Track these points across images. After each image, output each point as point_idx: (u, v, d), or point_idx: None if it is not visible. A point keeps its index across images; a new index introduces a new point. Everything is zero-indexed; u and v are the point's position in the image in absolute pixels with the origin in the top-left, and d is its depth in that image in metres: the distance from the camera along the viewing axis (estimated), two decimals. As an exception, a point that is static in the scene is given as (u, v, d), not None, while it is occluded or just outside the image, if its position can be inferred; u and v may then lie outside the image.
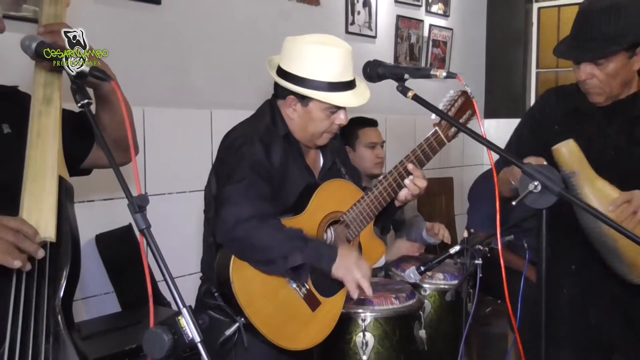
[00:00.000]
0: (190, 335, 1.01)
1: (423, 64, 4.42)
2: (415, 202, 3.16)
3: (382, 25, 4.05)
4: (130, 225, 2.60)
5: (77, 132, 1.48)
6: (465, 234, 2.12)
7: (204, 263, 1.92)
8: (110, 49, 1.44)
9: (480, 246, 2.06)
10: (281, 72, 1.82)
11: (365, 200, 1.89)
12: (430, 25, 4.47)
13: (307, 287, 1.77)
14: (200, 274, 1.94)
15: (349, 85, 1.80)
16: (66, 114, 1.43)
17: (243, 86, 3.10)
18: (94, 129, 1.17)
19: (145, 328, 1.03)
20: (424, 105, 1.43)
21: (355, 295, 1.72)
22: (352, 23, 3.81)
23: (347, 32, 3.75)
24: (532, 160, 1.60)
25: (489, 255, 2.06)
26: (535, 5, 5.08)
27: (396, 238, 3.04)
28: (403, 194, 1.91)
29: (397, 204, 1.97)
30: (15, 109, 1.42)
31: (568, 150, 1.70)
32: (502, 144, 1.33)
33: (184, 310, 1.01)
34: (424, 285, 2.63)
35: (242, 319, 1.67)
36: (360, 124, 2.93)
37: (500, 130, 4.81)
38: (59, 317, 1.25)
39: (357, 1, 3.83)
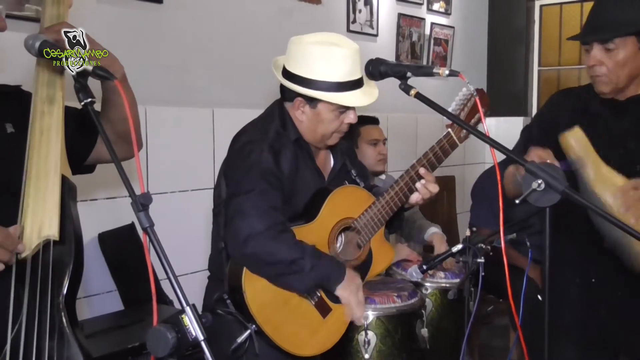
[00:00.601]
0: (194, 334, 1.01)
1: (425, 62, 4.42)
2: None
3: (383, 23, 4.05)
4: (132, 224, 2.61)
5: (81, 129, 1.49)
6: (468, 233, 2.12)
7: (212, 262, 1.92)
8: (113, 48, 1.44)
9: (482, 244, 2.06)
10: (287, 74, 1.79)
11: (377, 205, 1.88)
12: (432, 24, 4.47)
13: (319, 294, 1.78)
14: (206, 273, 1.94)
15: (357, 84, 1.78)
16: (69, 111, 1.44)
17: (245, 85, 3.10)
18: (97, 128, 1.17)
19: (148, 326, 1.03)
20: (426, 103, 1.42)
21: (348, 319, 1.79)
22: (354, 21, 3.81)
23: (348, 30, 3.75)
24: (537, 152, 1.61)
25: (491, 253, 2.06)
26: (537, 3, 5.07)
27: (400, 239, 3.04)
28: (414, 198, 1.89)
29: (405, 206, 1.96)
30: (18, 108, 1.42)
31: (575, 138, 1.74)
32: (503, 142, 1.32)
33: (187, 309, 1.02)
34: (426, 284, 2.62)
35: (254, 326, 1.68)
36: (361, 122, 2.92)
37: (501, 128, 4.81)
38: (63, 314, 1.26)
39: None
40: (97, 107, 1.26)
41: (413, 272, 2.15)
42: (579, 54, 4.91)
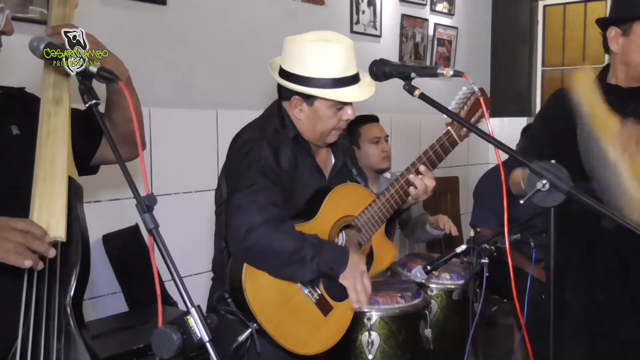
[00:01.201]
0: (199, 335, 1.01)
1: (428, 63, 4.41)
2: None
3: (387, 24, 4.05)
4: (137, 225, 2.61)
5: (85, 130, 1.49)
6: (472, 233, 2.12)
7: (216, 264, 1.93)
8: (116, 50, 1.45)
9: (486, 245, 2.06)
10: (284, 73, 1.80)
11: (377, 203, 1.88)
12: (435, 24, 4.46)
13: (319, 292, 1.78)
14: (211, 274, 1.95)
15: (353, 80, 1.78)
16: (74, 113, 1.44)
17: (248, 86, 3.10)
18: (102, 129, 1.17)
19: (154, 327, 1.03)
20: (430, 104, 1.42)
21: (355, 305, 1.72)
22: (357, 22, 3.81)
23: (352, 31, 3.75)
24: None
25: (495, 254, 2.06)
26: (541, 3, 5.06)
27: (404, 237, 3.04)
28: (412, 192, 1.89)
29: (405, 206, 1.96)
30: (23, 110, 1.43)
31: (584, 75, 1.79)
32: (506, 142, 1.32)
33: (193, 310, 1.01)
34: (430, 285, 2.62)
35: (255, 325, 1.68)
36: (360, 121, 2.92)
37: (504, 128, 4.80)
38: (70, 316, 1.26)
39: (362, 0, 3.83)
40: (101, 108, 1.27)
41: (417, 273, 2.15)
42: (583, 54, 4.91)
